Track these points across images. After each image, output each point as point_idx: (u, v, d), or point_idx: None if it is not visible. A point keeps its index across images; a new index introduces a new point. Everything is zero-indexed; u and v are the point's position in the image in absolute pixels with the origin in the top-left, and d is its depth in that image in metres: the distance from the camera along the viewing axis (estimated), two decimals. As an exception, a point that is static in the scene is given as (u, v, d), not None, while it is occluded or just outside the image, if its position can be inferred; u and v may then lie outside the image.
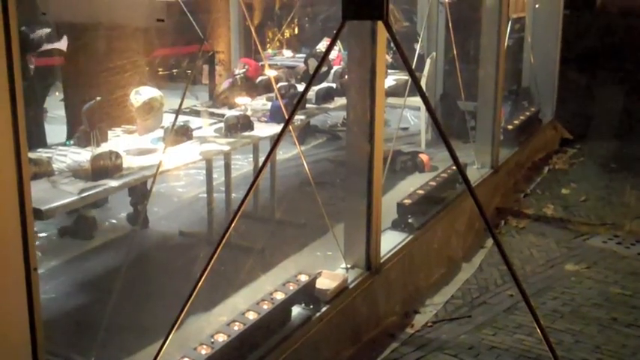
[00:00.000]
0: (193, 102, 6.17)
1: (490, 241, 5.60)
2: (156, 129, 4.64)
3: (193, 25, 4.19)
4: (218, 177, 5.32)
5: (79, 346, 3.55)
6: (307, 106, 5.81)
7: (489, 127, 6.40)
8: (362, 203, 4.09)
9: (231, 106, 5.54)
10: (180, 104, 4.05)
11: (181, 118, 4.70)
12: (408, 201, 4.92)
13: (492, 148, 6.41)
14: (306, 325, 3.60)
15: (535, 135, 7.92)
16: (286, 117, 4.35)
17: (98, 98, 4.45)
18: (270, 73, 5.55)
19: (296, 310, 3.65)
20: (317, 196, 4.10)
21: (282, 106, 4.70)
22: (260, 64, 6.13)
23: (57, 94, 6.34)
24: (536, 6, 8.57)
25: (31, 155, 3.81)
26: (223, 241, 2.65)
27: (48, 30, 5.33)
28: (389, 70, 6.79)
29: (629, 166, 7.70)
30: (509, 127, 7.23)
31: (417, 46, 7.07)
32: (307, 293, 3.71)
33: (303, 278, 3.70)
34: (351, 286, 4.00)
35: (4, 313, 2.23)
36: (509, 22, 7.02)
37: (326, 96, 6.01)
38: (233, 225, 2.71)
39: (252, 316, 3.31)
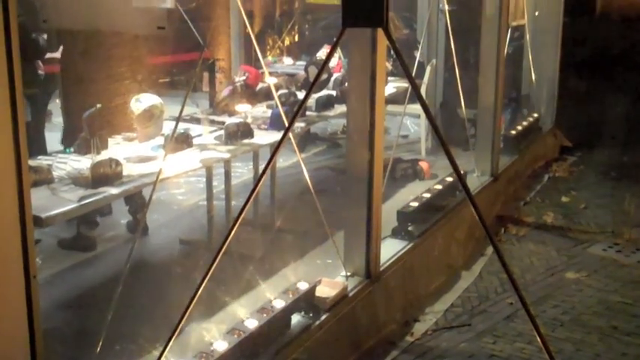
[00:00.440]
0: (193, 109, 6.17)
1: (490, 249, 5.60)
2: (156, 136, 4.64)
3: (194, 33, 4.20)
4: (218, 184, 5.31)
5: (77, 356, 3.55)
6: (307, 113, 5.82)
7: (489, 134, 6.40)
8: (362, 211, 4.08)
9: (232, 114, 5.54)
10: (181, 112, 4.05)
11: (181, 126, 4.70)
12: (408, 209, 4.92)
13: (492, 155, 6.41)
14: (305, 333, 3.60)
15: (535, 143, 7.93)
16: (286, 124, 4.35)
17: (99, 105, 4.45)
18: (271, 80, 5.55)
19: (296, 318, 3.65)
20: (317, 203, 4.10)
21: (282, 114, 4.70)
22: (260, 71, 6.14)
23: (57, 101, 6.34)
24: (536, 13, 8.59)
25: (32, 163, 3.81)
26: (223, 248, 2.65)
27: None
28: (389, 78, 6.80)
29: (629, 173, 7.70)
30: (509, 134, 7.23)
31: (417, 54, 7.08)
32: (307, 301, 3.70)
33: (303, 286, 3.69)
34: (350, 294, 3.99)
35: (4, 321, 2.22)
36: (509, 30, 7.03)
37: (326, 103, 6.02)
38: (233, 233, 2.70)
39: (251, 324, 3.30)
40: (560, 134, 8.78)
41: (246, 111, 5.54)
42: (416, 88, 2.98)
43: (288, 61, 8.87)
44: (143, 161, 4.35)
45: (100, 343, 3.23)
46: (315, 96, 5.95)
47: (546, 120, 8.60)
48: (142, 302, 4.07)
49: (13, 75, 2.12)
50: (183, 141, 4.58)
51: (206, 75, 8.74)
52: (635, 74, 10.94)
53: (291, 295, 3.59)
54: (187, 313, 2.65)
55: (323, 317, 3.73)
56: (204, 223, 5.12)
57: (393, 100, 6.66)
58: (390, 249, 4.55)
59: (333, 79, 6.63)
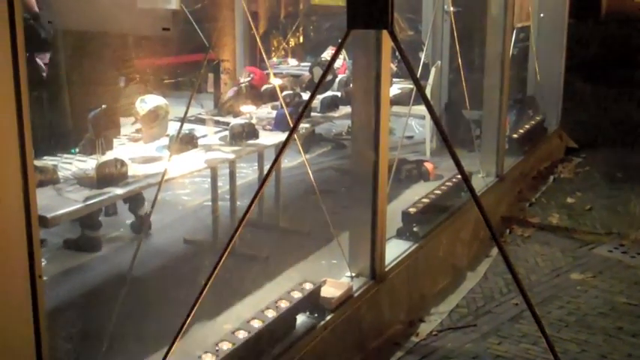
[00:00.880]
0: (198, 110, 6.17)
1: (495, 250, 5.59)
2: (161, 137, 4.65)
3: (199, 34, 4.20)
4: (223, 185, 5.32)
5: (82, 356, 3.55)
6: (312, 114, 5.82)
7: (494, 135, 6.39)
8: (367, 212, 4.09)
9: (237, 115, 5.54)
10: (186, 112, 4.05)
11: (186, 126, 4.71)
12: (413, 209, 4.91)
13: (497, 156, 6.40)
14: (310, 333, 3.60)
15: (540, 144, 7.92)
16: (291, 125, 4.35)
17: (104, 106, 4.46)
18: (275, 81, 5.56)
19: (301, 319, 3.65)
20: (322, 204, 4.10)
21: (287, 115, 4.70)
22: (265, 72, 6.15)
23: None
24: (541, 15, 8.58)
25: (37, 163, 3.82)
26: (228, 249, 2.65)
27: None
28: (394, 79, 6.79)
29: (634, 175, 7.68)
30: (515, 135, 7.22)
31: (422, 55, 7.08)
32: (312, 301, 3.70)
33: (308, 286, 3.70)
34: (355, 295, 3.99)
35: (10, 321, 2.23)
36: (514, 31, 7.02)
37: (331, 104, 6.01)
38: (238, 233, 2.71)
39: (256, 324, 3.31)
40: (565, 135, 8.76)
41: (251, 112, 5.54)
42: (421, 90, 2.99)
43: (292, 62, 8.86)
44: (148, 162, 4.35)
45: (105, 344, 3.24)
46: (319, 97, 5.95)
47: (551, 121, 8.58)
48: (147, 302, 4.07)
49: (19, 76, 2.13)
50: (188, 141, 4.58)
51: (211, 76, 8.74)
52: (641, 76, 10.91)
53: (296, 296, 3.59)
54: (192, 314, 2.66)
55: (328, 317, 3.73)
56: (209, 224, 5.12)
57: (397, 101, 6.65)
58: (395, 250, 4.55)
59: (337, 80, 6.62)
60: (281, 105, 4.99)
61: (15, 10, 2.09)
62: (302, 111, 3.19)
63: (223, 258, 2.64)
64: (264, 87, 6.05)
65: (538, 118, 8.14)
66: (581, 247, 5.82)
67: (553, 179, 7.68)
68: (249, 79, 6.02)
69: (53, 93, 5.13)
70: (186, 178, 5.10)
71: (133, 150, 4.56)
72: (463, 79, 6.19)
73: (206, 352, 3.09)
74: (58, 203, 3.64)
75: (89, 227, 4.95)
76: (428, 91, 7.29)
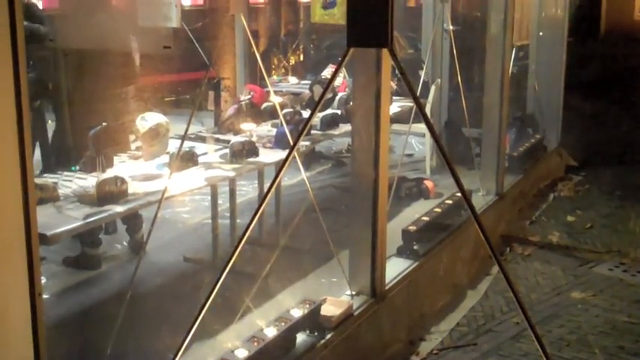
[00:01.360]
0: (199, 128, 6.18)
1: (495, 268, 5.57)
2: (161, 154, 4.65)
3: (200, 52, 4.21)
4: (223, 203, 5.32)
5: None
6: (312, 132, 5.82)
7: (494, 153, 6.40)
8: (367, 230, 4.08)
9: (237, 132, 5.55)
10: (186, 130, 4.06)
11: (187, 144, 4.72)
12: (413, 228, 4.91)
13: (497, 174, 6.40)
14: (310, 352, 3.58)
15: (540, 162, 7.92)
16: (291, 143, 4.36)
17: (104, 124, 4.47)
18: (276, 99, 5.57)
19: (300, 337, 3.63)
20: (322, 222, 4.09)
21: (288, 133, 4.71)
22: (265, 90, 6.15)
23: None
24: (540, 34, 8.62)
25: (37, 180, 3.82)
26: (228, 267, 2.64)
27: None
28: (394, 97, 6.80)
29: (634, 193, 7.68)
30: (514, 153, 7.23)
31: (422, 73, 7.10)
32: (312, 320, 3.69)
33: (308, 305, 3.68)
34: (356, 313, 3.98)
35: (9, 338, 2.22)
36: (514, 50, 7.05)
37: (331, 122, 6.02)
38: (238, 251, 2.70)
39: (256, 342, 3.29)
40: (565, 153, 8.77)
41: (251, 129, 5.55)
42: (421, 108, 2.99)
43: (293, 80, 8.89)
44: (148, 179, 4.35)
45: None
46: (319, 115, 5.96)
47: (551, 139, 8.60)
48: (146, 320, 4.05)
49: (20, 93, 2.13)
50: (188, 159, 4.58)
51: (211, 94, 8.77)
52: (640, 94, 10.96)
53: (296, 314, 3.58)
54: (192, 332, 2.65)
55: (328, 336, 3.71)
56: (209, 242, 5.11)
57: (397, 119, 6.66)
58: (395, 268, 4.54)
59: (337, 98, 6.64)
60: (281, 123, 5.00)
61: (17, 30, 2.10)
62: (302, 129, 3.19)
63: (223, 276, 2.63)
64: (265, 105, 6.06)
65: (538, 136, 8.16)
66: (581, 265, 5.81)
67: (553, 197, 7.68)
68: (249, 96, 6.03)
69: (54, 110, 5.15)
70: (187, 195, 5.10)
71: (133, 168, 4.56)
72: (463, 97, 6.21)
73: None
74: (58, 221, 3.64)
75: (89, 245, 4.94)
76: (428, 109, 7.31)
